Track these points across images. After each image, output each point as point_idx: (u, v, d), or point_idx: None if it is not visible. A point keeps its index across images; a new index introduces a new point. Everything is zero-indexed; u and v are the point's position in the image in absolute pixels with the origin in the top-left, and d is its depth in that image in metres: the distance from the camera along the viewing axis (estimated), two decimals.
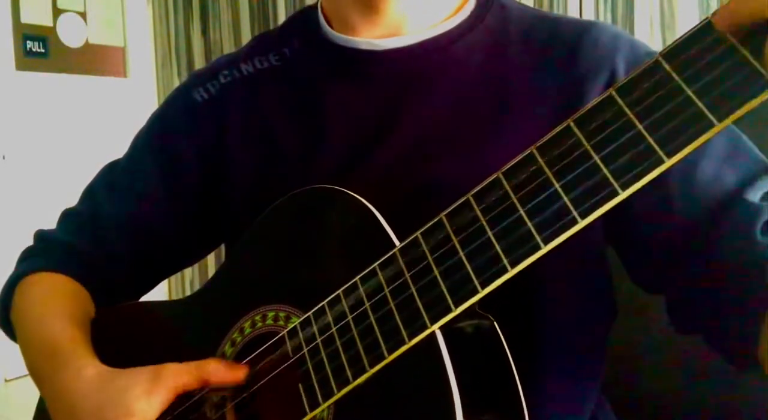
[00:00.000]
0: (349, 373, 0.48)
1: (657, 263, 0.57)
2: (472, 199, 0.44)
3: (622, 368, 0.76)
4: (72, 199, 0.79)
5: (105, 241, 0.73)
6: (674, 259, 0.54)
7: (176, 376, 0.54)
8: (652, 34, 1.92)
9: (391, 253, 0.48)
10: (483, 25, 0.63)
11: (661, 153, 0.37)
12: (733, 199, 0.52)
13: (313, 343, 0.51)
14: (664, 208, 0.54)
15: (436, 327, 0.44)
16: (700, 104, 0.36)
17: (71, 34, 2.87)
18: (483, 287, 0.43)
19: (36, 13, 2.75)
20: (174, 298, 1.75)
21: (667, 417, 0.78)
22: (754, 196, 0.52)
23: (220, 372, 0.55)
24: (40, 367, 0.63)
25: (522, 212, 0.42)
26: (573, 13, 2.04)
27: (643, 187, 0.38)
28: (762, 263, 0.49)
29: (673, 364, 0.78)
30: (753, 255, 0.49)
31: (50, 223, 0.78)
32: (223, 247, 0.79)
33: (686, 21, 1.87)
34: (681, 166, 0.38)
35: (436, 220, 0.46)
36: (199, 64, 2.90)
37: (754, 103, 0.35)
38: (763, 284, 0.48)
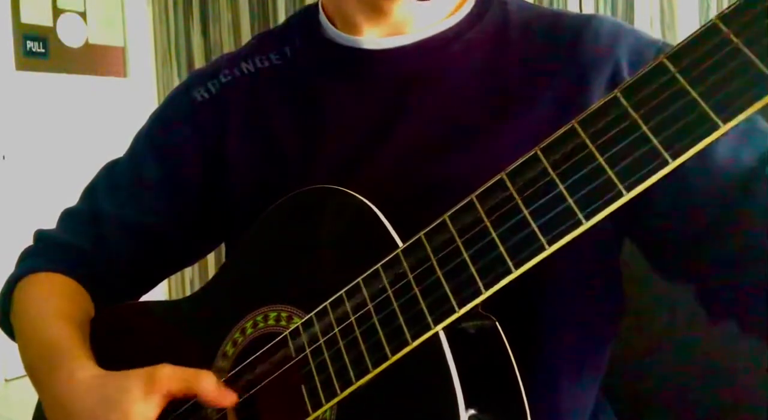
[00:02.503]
0: (352, 374, 0.48)
1: (682, 252, 0.55)
2: (476, 200, 0.44)
3: (622, 368, 0.76)
4: (72, 199, 0.79)
5: (105, 241, 0.73)
6: (700, 245, 0.53)
7: (169, 382, 0.54)
8: (652, 34, 1.93)
9: (394, 253, 0.48)
10: (483, 23, 0.63)
11: (665, 154, 0.37)
12: (754, 176, 0.50)
13: (316, 344, 0.51)
14: (685, 194, 0.53)
15: (439, 328, 0.44)
16: (705, 106, 0.36)
17: (71, 34, 2.87)
18: (487, 288, 0.42)
19: (36, 13, 2.75)
20: (174, 298, 1.75)
21: (667, 417, 0.78)
22: None
23: (210, 392, 0.54)
24: (36, 368, 0.63)
25: (526, 213, 0.42)
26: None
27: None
28: None
29: (673, 364, 0.78)
30: None
31: (50, 223, 0.78)
32: (223, 246, 0.79)
33: (686, 21, 1.88)
34: None
35: (439, 220, 0.46)
36: (199, 64, 2.90)
37: (759, 104, 0.35)
38: None
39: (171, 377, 0.54)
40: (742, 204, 0.51)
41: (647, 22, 1.94)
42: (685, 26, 1.88)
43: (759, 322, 0.52)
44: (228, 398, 0.54)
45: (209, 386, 0.54)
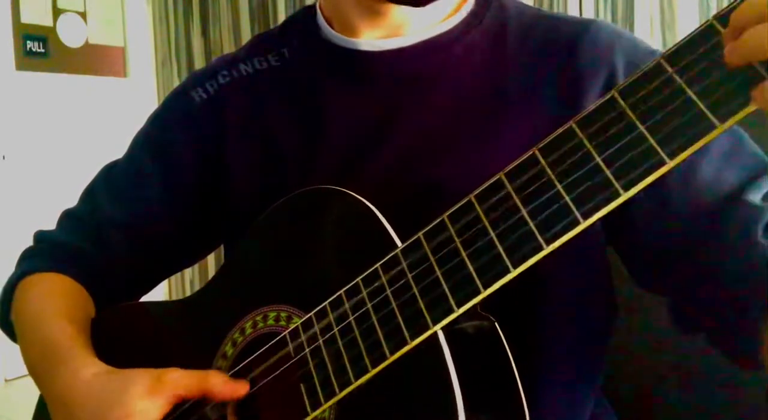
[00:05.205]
0: (350, 374, 0.48)
1: (658, 265, 0.56)
2: (474, 200, 0.44)
3: (622, 368, 0.76)
4: (72, 199, 0.79)
5: (105, 242, 0.73)
6: (675, 260, 0.54)
7: (179, 381, 0.54)
8: (652, 34, 1.92)
9: (393, 253, 0.48)
10: (482, 25, 0.63)
11: (662, 154, 0.37)
12: (734, 200, 0.51)
13: (315, 344, 0.51)
14: (664, 209, 0.54)
15: (438, 327, 0.44)
16: (701, 106, 0.36)
17: (71, 34, 2.87)
18: (485, 288, 0.43)
19: (36, 13, 2.75)
20: (174, 298, 1.75)
21: (667, 417, 0.78)
22: (755, 196, 0.51)
23: (222, 386, 0.54)
24: (39, 367, 0.63)
25: (524, 213, 0.42)
26: (573, 12, 2.04)
27: (643, 188, 0.38)
28: (762, 265, 0.48)
29: (673, 364, 0.78)
30: (753, 256, 0.49)
31: (50, 223, 0.78)
32: (223, 247, 0.79)
33: (686, 21, 1.87)
34: (681, 166, 0.38)
35: (438, 220, 0.46)
36: (199, 64, 2.89)
37: (755, 104, 0.35)
38: (764, 285, 0.48)
39: (179, 379, 0.54)
40: (718, 226, 0.51)
41: (647, 22, 1.94)
42: (685, 26, 1.87)
43: (723, 338, 0.53)
44: (241, 388, 0.54)
45: (220, 381, 0.54)
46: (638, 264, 0.60)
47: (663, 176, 0.38)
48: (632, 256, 0.60)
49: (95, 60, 2.95)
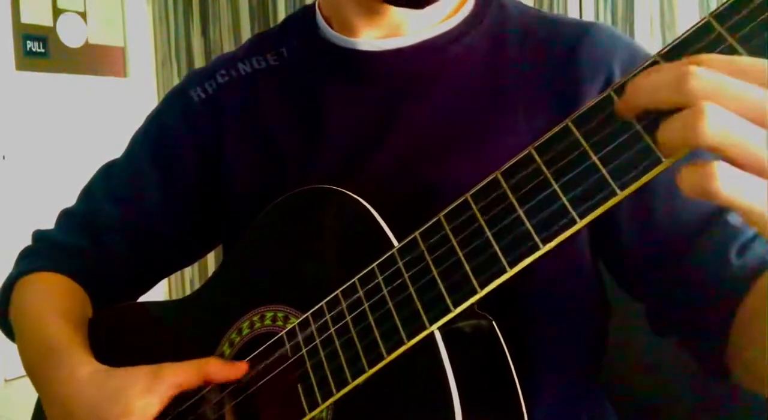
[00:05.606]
0: (348, 374, 0.48)
1: (636, 272, 0.58)
2: (470, 199, 0.44)
3: (622, 368, 0.76)
4: (72, 199, 0.79)
5: (103, 241, 0.73)
6: (653, 270, 0.56)
7: (176, 375, 0.54)
8: (652, 34, 1.92)
9: (389, 253, 0.48)
10: (482, 26, 0.63)
11: (659, 153, 0.37)
12: (714, 219, 0.53)
13: (312, 344, 0.51)
14: (647, 221, 0.55)
15: (435, 327, 0.44)
16: None
17: (71, 34, 2.87)
18: (482, 287, 0.42)
19: (36, 13, 2.75)
20: (174, 298, 1.75)
21: (666, 417, 0.78)
22: (736, 217, 0.52)
23: (220, 370, 0.55)
24: (36, 367, 0.63)
25: (521, 212, 0.41)
26: (573, 13, 2.03)
27: (628, 199, 0.38)
28: (732, 283, 0.50)
29: (672, 364, 0.77)
30: (724, 275, 0.51)
31: (50, 223, 0.78)
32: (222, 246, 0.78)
33: (686, 21, 1.87)
34: (667, 180, 0.38)
35: (434, 220, 0.46)
36: (199, 64, 2.89)
37: None
38: (731, 303, 0.50)
39: (176, 371, 0.54)
40: (697, 243, 0.53)
41: (647, 22, 1.94)
42: (685, 26, 1.87)
43: (692, 344, 0.56)
44: (239, 369, 0.55)
45: (217, 364, 0.55)
46: (619, 271, 0.61)
47: (649, 189, 0.38)
48: (615, 261, 0.61)
49: (95, 60, 2.95)
